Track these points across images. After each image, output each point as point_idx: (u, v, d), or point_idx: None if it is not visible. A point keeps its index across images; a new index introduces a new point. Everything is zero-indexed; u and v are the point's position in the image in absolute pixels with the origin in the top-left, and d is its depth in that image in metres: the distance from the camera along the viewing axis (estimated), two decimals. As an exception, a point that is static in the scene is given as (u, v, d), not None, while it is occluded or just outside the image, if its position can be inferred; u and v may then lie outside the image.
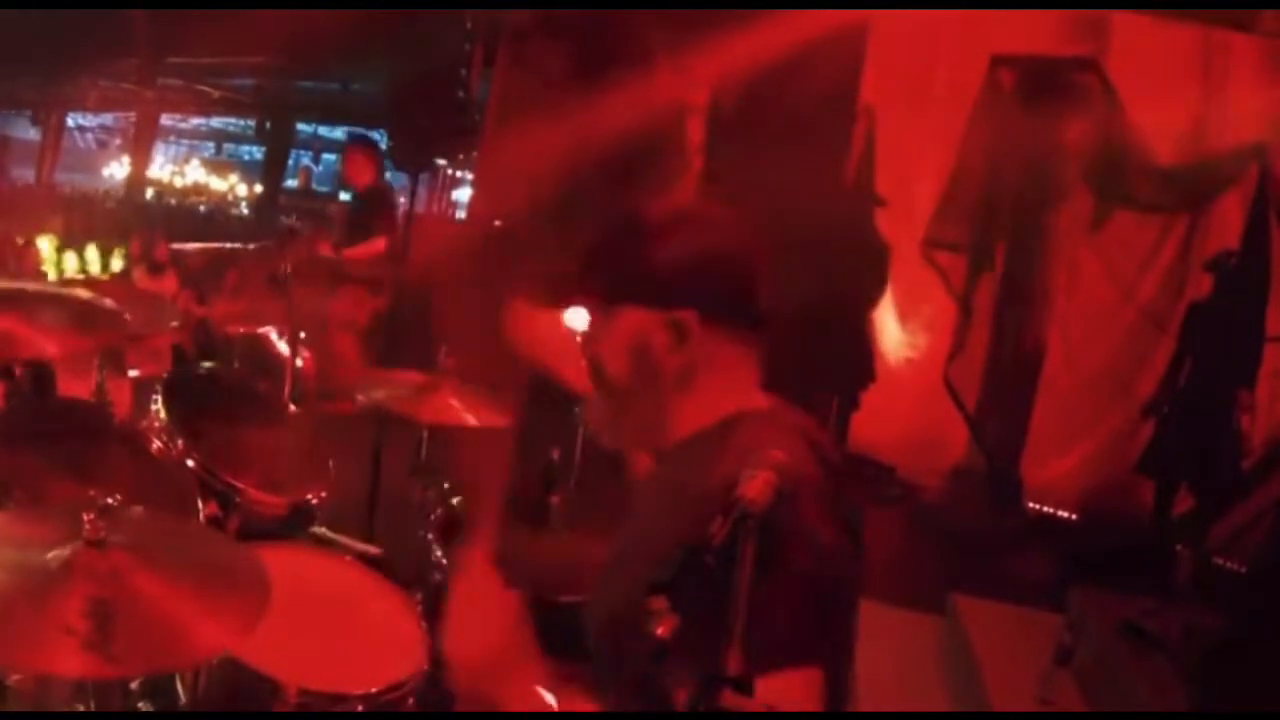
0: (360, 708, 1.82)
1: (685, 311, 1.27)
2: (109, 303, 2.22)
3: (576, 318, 1.41)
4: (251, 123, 15.58)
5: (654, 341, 1.28)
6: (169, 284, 7.20)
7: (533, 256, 6.99)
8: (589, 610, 1.44)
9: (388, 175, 6.87)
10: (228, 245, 3.00)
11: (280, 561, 1.87)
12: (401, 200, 8.51)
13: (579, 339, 1.37)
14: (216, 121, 17.88)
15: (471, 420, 2.69)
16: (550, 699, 1.24)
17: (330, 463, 2.58)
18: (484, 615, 1.29)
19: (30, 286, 2.24)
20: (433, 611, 2.05)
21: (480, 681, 1.26)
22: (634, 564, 1.25)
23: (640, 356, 1.29)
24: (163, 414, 2.28)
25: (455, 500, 2.57)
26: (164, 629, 1.39)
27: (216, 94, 13.28)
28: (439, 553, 2.33)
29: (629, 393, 1.32)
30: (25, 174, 15.41)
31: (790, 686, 1.09)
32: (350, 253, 5.70)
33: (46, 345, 2.01)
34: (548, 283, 1.43)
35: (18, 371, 2.24)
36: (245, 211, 17.00)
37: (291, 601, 1.81)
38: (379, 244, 5.77)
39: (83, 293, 2.26)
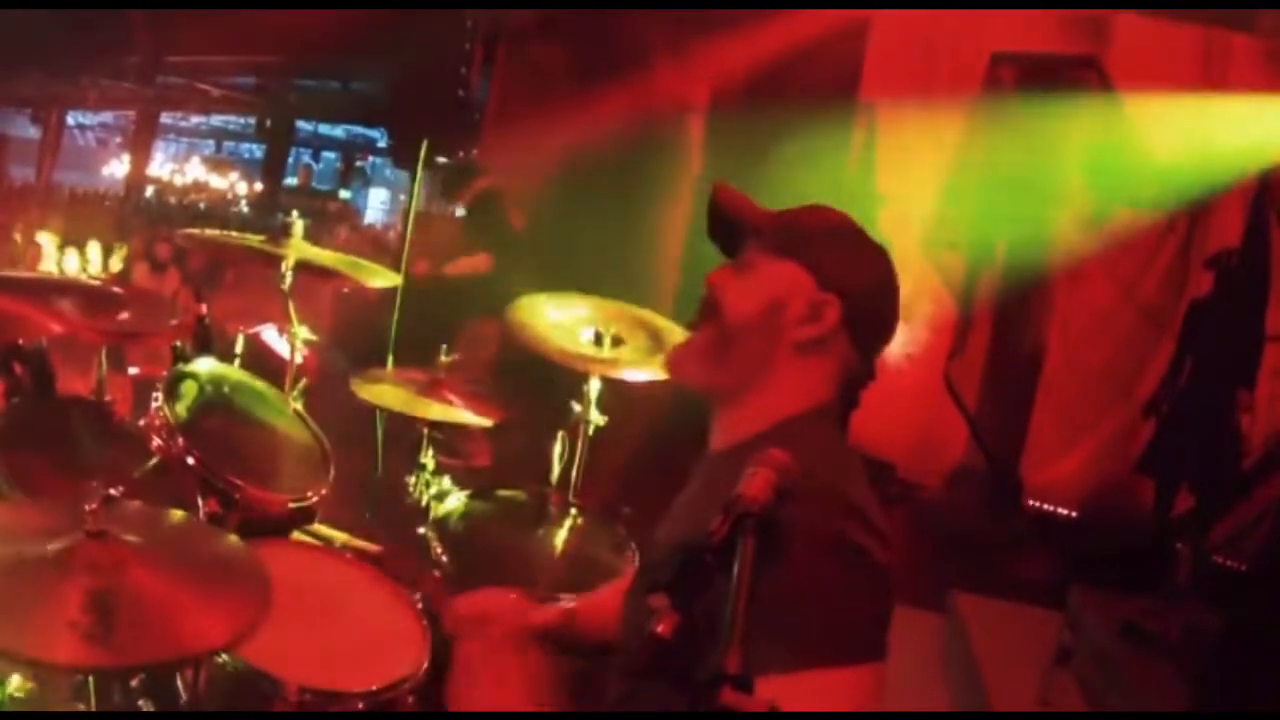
0: (360, 706, 1.82)
1: (833, 297, 1.31)
2: (115, 289, 2.22)
3: None
4: (252, 121, 15.58)
5: (791, 304, 1.32)
6: (170, 282, 7.20)
7: (533, 256, 6.99)
8: (624, 614, 1.44)
9: (388, 173, 6.87)
10: (234, 234, 3.00)
11: (280, 560, 1.87)
12: (401, 198, 8.50)
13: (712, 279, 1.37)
14: (217, 119, 17.88)
15: (471, 419, 2.69)
16: None
17: (330, 463, 2.58)
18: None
19: (37, 275, 2.26)
20: (432, 612, 2.05)
21: None
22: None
23: (770, 309, 1.32)
24: (163, 412, 2.28)
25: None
26: (165, 621, 1.39)
27: (216, 92, 13.27)
28: (439, 551, 2.33)
29: (735, 334, 1.34)
30: (25, 173, 15.40)
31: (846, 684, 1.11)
32: (452, 268, 5.64)
33: (53, 325, 2.01)
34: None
35: (18, 369, 2.24)
36: (245, 209, 16.99)
37: (291, 600, 1.81)
38: (482, 260, 5.70)
39: (89, 280, 2.27)
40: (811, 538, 1.11)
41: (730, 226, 1.41)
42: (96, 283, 2.26)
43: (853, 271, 1.34)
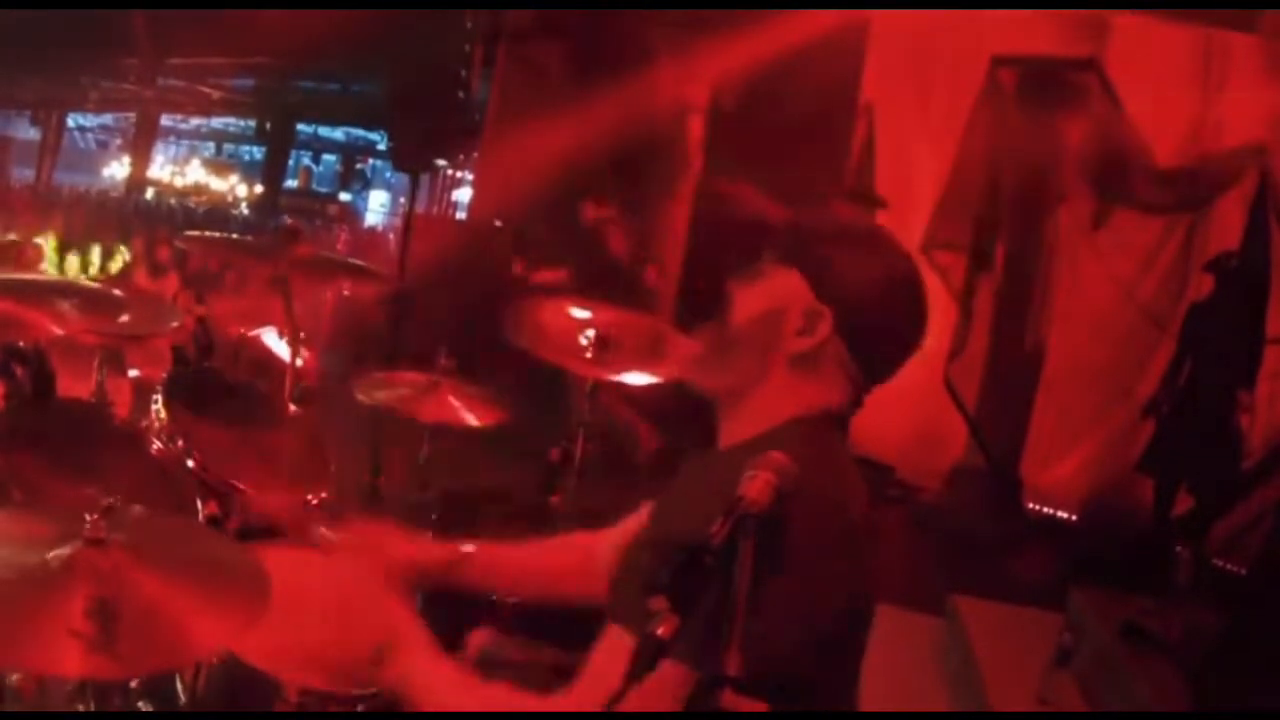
0: (360, 707, 1.82)
1: (826, 308, 1.30)
2: (115, 291, 2.23)
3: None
4: (252, 123, 15.60)
5: (789, 314, 1.31)
6: (170, 284, 7.20)
7: (533, 255, 7.00)
8: (612, 605, 1.44)
9: (388, 175, 6.92)
10: (234, 237, 3.02)
11: (280, 561, 1.87)
12: (401, 200, 8.52)
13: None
14: (217, 122, 17.90)
15: (471, 420, 2.69)
16: None
17: (330, 463, 2.58)
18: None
19: (36, 276, 2.26)
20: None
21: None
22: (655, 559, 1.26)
23: (769, 319, 1.33)
24: (163, 414, 2.28)
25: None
26: (167, 627, 1.39)
27: (216, 94, 13.29)
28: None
29: (735, 341, 1.35)
30: (25, 174, 15.41)
31: None
32: (539, 276, 5.66)
33: (51, 327, 2.01)
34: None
35: (18, 371, 2.24)
36: (245, 212, 17.01)
37: (292, 601, 1.81)
38: (561, 273, 5.69)
39: (88, 282, 2.27)
40: (801, 548, 1.11)
41: (741, 224, 1.43)
42: (96, 285, 2.25)
43: (854, 281, 1.32)
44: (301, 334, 2.80)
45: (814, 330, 1.30)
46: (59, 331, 2.04)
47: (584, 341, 2.69)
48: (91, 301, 2.16)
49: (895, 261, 1.37)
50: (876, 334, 1.35)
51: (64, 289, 2.16)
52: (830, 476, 1.24)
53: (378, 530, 1.77)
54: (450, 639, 1.74)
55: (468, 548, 1.73)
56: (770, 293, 1.33)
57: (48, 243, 8.08)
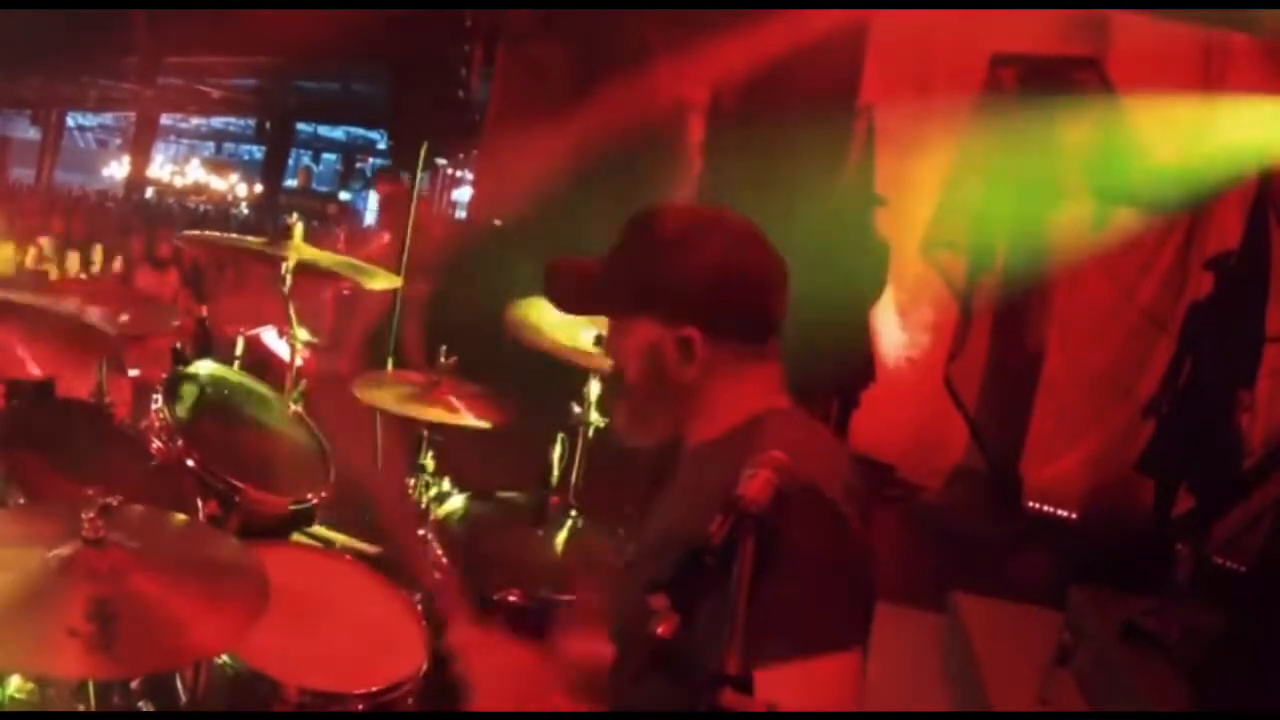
0: (360, 707, 1.82)
1: (690, 329, 1.28)
2: (96, 318, 2.22)
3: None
4: (252, 122, 15.60)
5: (664, 354, 1.31)
6: (170, 284, 7.20)
7: (533, 255, 6.99)
8: (608, 609, 1.44)
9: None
10: (234, 236, 3.01)
11: (280, 561, 1.87)
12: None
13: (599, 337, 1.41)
14: (217, 121, 17.91)
15: (471, 420, 2.69)
16: None
17: (330, 464, 2.58)
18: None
19: (22, 299, 2.24)
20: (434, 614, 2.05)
21: None
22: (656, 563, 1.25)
23: (653, 365, 1.32)
24: (163, 414, 2.28)
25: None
26: (166, 628, 1.39)
27: (216, 94, 13.29)
28: (439, 552, 2.33)
29: (645, 395, 1.35)
30: (25, 174, 15.42)
31: (826, 674, 1.11)
32: (361, 250, 5.73)
33: (35, 365, 2.02)
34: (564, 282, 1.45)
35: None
36: (245, 211, 17.01)
37: (291, 602, 1.82)
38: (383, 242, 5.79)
39: (73, 307, 2.26)
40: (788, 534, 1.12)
41: (566, 302, 1.45)
42: (79, 310, 2.24)
43: (689, 287, 1.29)
44: (304, 334, 2.81)
45: (692, 353, 1.29)
46: (38, 374, 2.03)
47: (585, 339, 2.69)
48: (74, 334, 2.15)
49: (710, 238, 1.31)
50: (747, 312, 1.32)
51: (48, 318, 2.15)
52: (813, 463, 1.23)
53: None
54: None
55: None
56: (633, 343, 1.33)
57: (50, 242, 8.08)
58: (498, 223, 8.39)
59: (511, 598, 2.17)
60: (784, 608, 1.07)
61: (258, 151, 17.62)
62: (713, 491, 1.15)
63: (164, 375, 2.46)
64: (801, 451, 1.18)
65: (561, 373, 2.63)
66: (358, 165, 18.63)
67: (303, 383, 2.77)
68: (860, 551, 1.21)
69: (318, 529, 2.47)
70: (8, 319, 2.06)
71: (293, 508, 2.39)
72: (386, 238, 7.29)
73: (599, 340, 2.67)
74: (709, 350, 1.29)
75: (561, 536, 2.58)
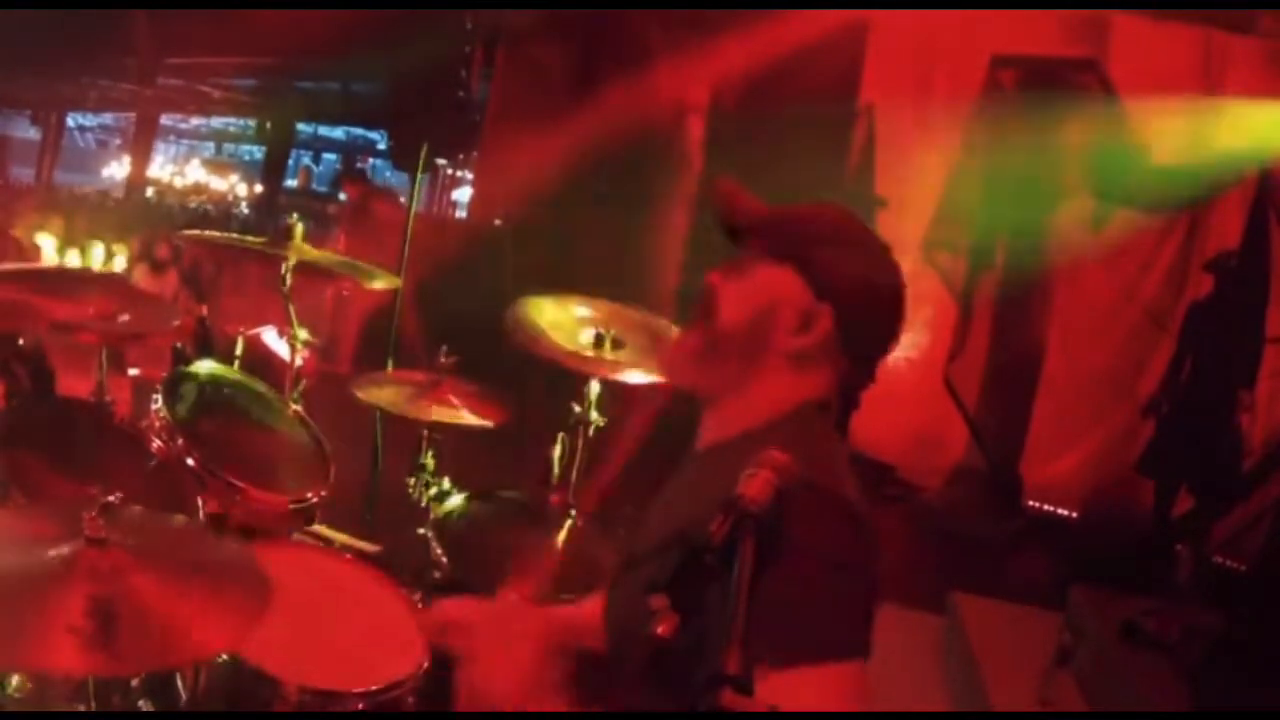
0: (360, 706, 1.82)
1: (825, 306, 1.28)
2: (115, 275, 2.24)
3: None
4: (252, 123, 15.60)
5: (783, 312, 1.29)
6: (170, 284, 7.20)
7: (533, 255, 7.00)
8: (608, 606, 1.44)
9: (388, 174, 6.96)
10: (234, 236, 3.01)
11: (280, 561, 1.87)
12: (401, 200, 8.53)
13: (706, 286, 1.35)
14: (217, 121, 17.90)
15: (471, 420, 2.69)
16: None
17: (330, 464, 2.58)
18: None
19: (39, 266, 2.26)
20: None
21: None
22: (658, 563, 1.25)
23: (762, 316, 1.30)
24: (163, 413, 2.28)
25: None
26: (166, 627, 1.39)
27: (216, 94, 13.28)
28: (439, 551, 2.33)
29: (726, 338, 1.31)
30: (25, 174, 15.41)
31: (828, 681, 1.11)
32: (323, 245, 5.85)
33: (55, 312, 2.01)
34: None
35: (18, 370, 2.25)
36: (245, 211, 17.01)
37: (291, 601, 1.82)
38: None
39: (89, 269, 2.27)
40: (800, 536, 1.11)
41: (735, 223, 1.39)
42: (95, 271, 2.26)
43: (850, 278, 1.30)
44: (305, 333, 2.81)
45: (812, 327, 1.29)
46: (62, 317, 2.03)
47: (584, 339, 2.69)
48: (88, 284, 2.16)
49: (885, 260, 1.36)
50: (869, 332, 1.34)
51: (65, 274, 2.16)
52: (827, 466, 1.24)
53: (517, 605, 1.70)
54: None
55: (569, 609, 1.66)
56: (762, 289, 1.31)
57: (49, 242, 8.08)
58: (498, 223, 8.40)
59: (511, 598, 2.17)
60: (788, 609, 1.07)
61: (258, 151, 17.62)
62: (722, 492, 1.15)
63: (164, 375, 2.46)
64: (819, 454, 1.18)
65: (561, 372, 2.62)
66: (358, 166, 18.63)
67: (303, 383, 2.78)
68: (873, 555, 1.21)
69: (318, 528, 2.47)
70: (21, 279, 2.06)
71: (293, 507, 2.39)
72: (343, 242, 7.51)
73: (599, 341, 2.67)
74: (824, 335, 1.28)
75: (561, 536, 2.58)
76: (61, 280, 2.11)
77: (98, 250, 7.73)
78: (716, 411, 1.35)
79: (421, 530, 2.45)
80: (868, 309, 1.32)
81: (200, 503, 2.19)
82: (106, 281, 2.25)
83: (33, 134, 15.43)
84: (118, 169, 17.01)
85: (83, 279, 2.23)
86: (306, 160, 18.23)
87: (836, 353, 1.31)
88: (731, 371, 1.32)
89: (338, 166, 18.59)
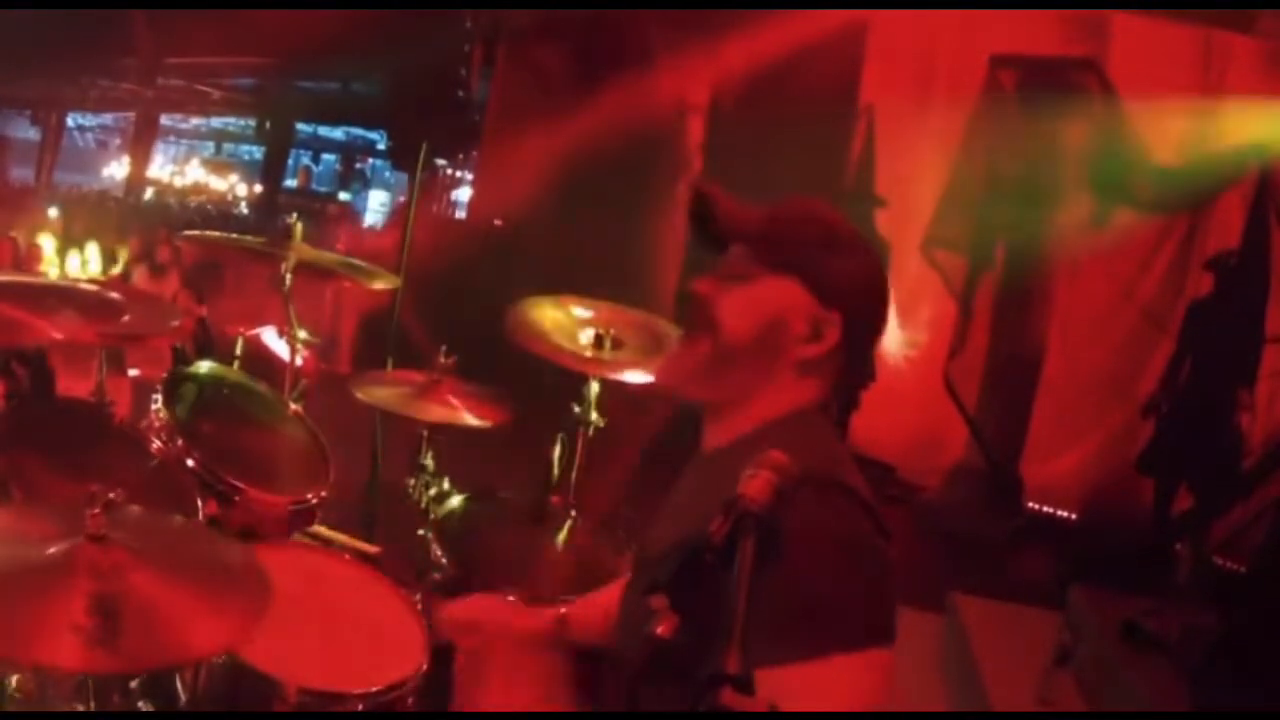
0: (360, 707, 1.82)
1: (835, 314, 1.28)
2: (114, 294, 2.23)
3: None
4: (251, 123, 15.58)
5: (792, 322, 1.29)
6: (170, 284, 7.20)
7: (533, 255, 7.01)
8: (622, 606, 1.44)
9: (387, 175, 6.95)
10: (234, 236, 3.01)
11: (280, 561, 1.87)
12: (401, 199, 8.53)
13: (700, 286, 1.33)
14: (216, 121, 17.89)
15: (471, 420, 2.69)
16: None
17: (330, 464, 2.58)
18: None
19: (35, 279, 2.25)
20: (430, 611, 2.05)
21: None
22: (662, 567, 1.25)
23: (769, 329, 1.29)
24: (163, 414, 2.28)
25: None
26: (167, 625, 1.39)
27: (216, 94, 13.29)
28: (439, 551, 2.33)
29: (733, 353, 1.30)
30: (25, 174, 15.42)
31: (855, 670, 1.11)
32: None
33: (51, 331, 2.01)
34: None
35: (18, 371, 2.24)
36: (245, 211, 17.01)
37: (291, 601, 1.82)
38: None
39: (88, 285, 2.27)
40: (820, 528, 1.11)
41: (717, 230, 1.36)
42: (95, 287, 2.25)
43: (852, 283, 1.31)
44: (304, 333, 2.81)
45: (823, 336, 1.28)
46: (59, 337, 2.03)
47: (584, 340, 2.69)
48: (91, 304, 2.16)
49: (872, 257, 1.36)
50: (870, 329, 1.34)
51: (64, 292, 2.16)
52: (832, 461, 1.24)
53: (492, 607, 1.71)
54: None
55: (563, 609, 1.67)
56: (768, 300, 1.30)
57: (50, 242, 8.09)
58: (498, 223, 8.40)
59: (511, 598, 2.17)
60: (791, 608, 1.07)
61: (258, 151, 17.60)
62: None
63: (164, 375, 2.46)
64: (825, 452, 1.18)
65: (561, 372, 2.62)
66: (357, 165, 18.62)
67: (302, 383, 2.77)
68: (884, 545, 1.20)
69: (318, 528, 2.47)
70: (17, 294, 2.06)
71: (292, 507, 2.39)
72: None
73: (598, 341, 2.67)
74: (832, 343, 1.28)
75: (561, 538, 2.57)
76: (59, 296, 2.10)
77: (97, 250, 7.74)
78: (720, 418, 1.35)
79: (421, 531, 2.45)
80: (870, 309, 1.33)
81: (200, 503, 2.19)
82: (103, 295, 2.23)
83: (33, 134, 15.43)
84: (118, 169, 17.00)
85: (80, 294, 2.22)
86: (306, 160, 18.22)
87: (841, 355, 1.31)
88: (739, 382, 1.31)
89: (337, 167, 18.60)
